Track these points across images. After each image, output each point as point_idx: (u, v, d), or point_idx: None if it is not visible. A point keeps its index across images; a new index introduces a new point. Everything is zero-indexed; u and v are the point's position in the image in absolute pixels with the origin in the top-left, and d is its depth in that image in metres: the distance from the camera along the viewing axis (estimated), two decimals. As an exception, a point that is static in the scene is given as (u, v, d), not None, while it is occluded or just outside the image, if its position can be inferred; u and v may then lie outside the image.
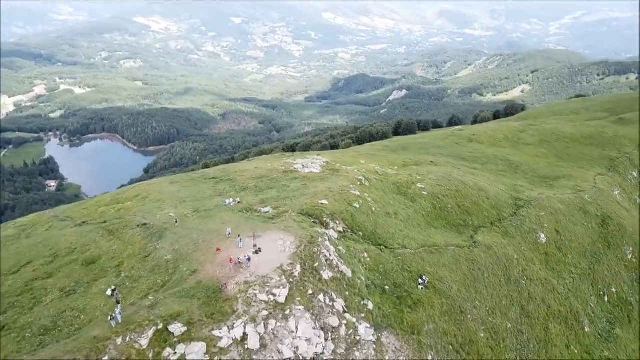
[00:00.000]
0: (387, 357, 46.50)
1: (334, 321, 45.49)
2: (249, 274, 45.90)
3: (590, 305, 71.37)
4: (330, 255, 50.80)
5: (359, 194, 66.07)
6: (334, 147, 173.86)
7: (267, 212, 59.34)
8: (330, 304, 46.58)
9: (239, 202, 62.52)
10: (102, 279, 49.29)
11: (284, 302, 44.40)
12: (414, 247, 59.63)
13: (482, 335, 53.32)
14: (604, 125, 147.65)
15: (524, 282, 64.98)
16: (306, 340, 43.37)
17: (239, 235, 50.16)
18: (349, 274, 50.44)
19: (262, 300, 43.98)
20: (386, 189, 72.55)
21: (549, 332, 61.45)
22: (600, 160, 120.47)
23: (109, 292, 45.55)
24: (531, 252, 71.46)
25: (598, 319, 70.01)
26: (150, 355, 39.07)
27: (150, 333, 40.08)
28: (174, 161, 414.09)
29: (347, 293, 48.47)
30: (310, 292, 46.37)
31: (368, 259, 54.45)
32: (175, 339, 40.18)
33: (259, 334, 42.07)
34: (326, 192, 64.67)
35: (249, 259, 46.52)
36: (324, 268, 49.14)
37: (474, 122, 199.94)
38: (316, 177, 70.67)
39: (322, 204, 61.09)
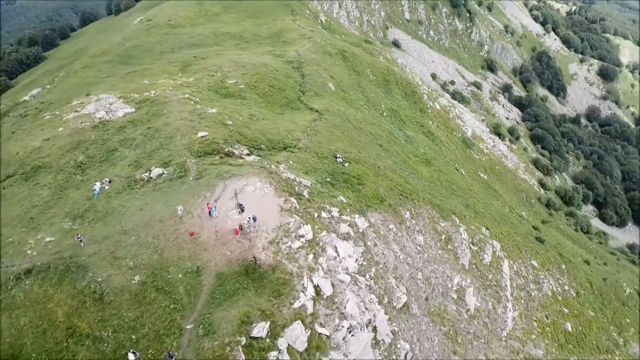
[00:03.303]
0: (382, 232, 49.77)
1: (344, 228, 45.02)
2: (266, 233, 39.48)
3: (387, 124, 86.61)
4: (290, 175, 47.03)
5: (215, 111, 58.68)
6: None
7: (161, 174, 47.74)
8: (331, 215, 45.29)
9: (110, 182, 47.53)
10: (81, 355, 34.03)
11: (312, 237, 41.02)
12: (302, 137, 59.42)
13: (390, 174, 60.68)
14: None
15: (362, 127, 73.75)
16: (349, 257, 42.58)
17: (207, 204, 40.69)
18: (309, 183, 48.39)
19: (299, 248, 39.65)
20: (214, 97, 65.61)
21: (396, 153, 73.76)
22: (280, 8, 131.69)
23: (131, 358, 32.59)
24: (335, 102, 79.23)
25: (397, 131, 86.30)
26: (260, 373, 32.61)
27: (241, 355, 32.62)
28: None
29: (327, 200, 47.27)
30: (316, 215, 43.76)
31: (296, 164, 52.42)
32: (268, 339, 34.18)
33: (323, 277, 39.04)
34: (187, 124, 54.99)
35: (254, 219, 39.35)
36: (301, 188, 45.83)
37: (117, 11, 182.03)
38: (148, 117, 57.49)
39: (204, 136, 52.63)
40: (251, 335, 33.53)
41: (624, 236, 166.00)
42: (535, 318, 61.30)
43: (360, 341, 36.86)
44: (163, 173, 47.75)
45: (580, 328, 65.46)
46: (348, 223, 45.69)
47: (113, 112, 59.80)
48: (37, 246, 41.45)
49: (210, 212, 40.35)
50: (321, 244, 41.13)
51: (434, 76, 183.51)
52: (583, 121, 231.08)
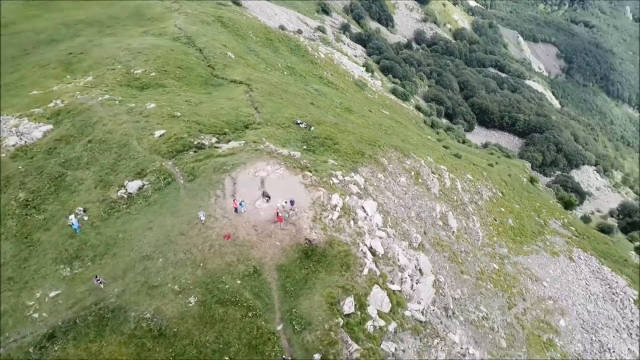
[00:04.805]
0: (374, 183, 50.81)
1: (354, 189, 45.13)
2: (305, 212, 37.90)
3: (295, 82, 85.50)
4: (284, 151, 44.98)
5: (155, 105, 52.49)
6: None
7: (141, 186, 42.01)
8: (338, 180, 44.80)
9: (85, 211, 40.53)
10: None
11: (343, 205, 40.49)
12: (252, 112, 56.55)
13: (346, 127, 61.36)
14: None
15: (287, 89, 72.18)
16: (376, 212, 43.08)
17: (234, 201, 37.41)
18: (298, 154, 46.87)
19: (338, 219, 39.13)
20: (132, 92, 58.01)
21: (326, 108, 74.02)
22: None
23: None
24: (247, 69, 76.06)
25: (307, 87, 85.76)
26: (368, 344, 32.79)
27: (346, 336, 32.32)
28: None
29: (320, 166, 46.39)
30: (332, 182, 43.07)
31: (269, 139, 50.08)
32: (359, 312, 34.08)
33: (372, 237, 39.38)
34: (134, 126, 48.34)
35: (292, 202, 37.45)
36: (303, 162, 44.26)
37: None
38: (78, 129, 47.78)
39: (163, 135, 47.33)
40: (344, 313, 32.97)
41: (475, 138, 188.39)
42: (489, 223, 68.54)
43: (427, 286, 38.39)
44: (143, 185, 42.35)
45: (517, 221, 74.83)
46: (353, 182, 45.80)
47: (27, 134, 50.26)
48: (44, 305, 34.92)
49: (236, 208, 37.35)
50: (350, 209, 40.90)
51: (282, 28, 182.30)
52: (414, 45, 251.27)
